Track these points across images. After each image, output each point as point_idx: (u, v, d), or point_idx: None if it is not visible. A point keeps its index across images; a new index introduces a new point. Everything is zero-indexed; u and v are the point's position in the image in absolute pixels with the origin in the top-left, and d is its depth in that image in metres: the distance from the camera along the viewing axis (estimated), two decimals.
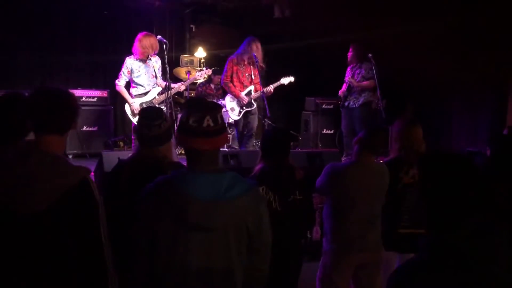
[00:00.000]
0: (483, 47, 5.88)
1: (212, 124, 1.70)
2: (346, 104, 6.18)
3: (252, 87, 5.75)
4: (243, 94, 5.70)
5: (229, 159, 4.67)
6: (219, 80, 7.23)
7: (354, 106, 6.09)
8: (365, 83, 6.01)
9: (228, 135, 6.28)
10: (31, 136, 1.81)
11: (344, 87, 6.20)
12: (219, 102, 6.46)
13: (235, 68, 5.67)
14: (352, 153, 3.07)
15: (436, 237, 1.25)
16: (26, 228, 1.61)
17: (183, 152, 2.00)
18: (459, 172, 1.24)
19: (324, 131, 7.16)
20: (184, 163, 2.46)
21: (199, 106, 1.74)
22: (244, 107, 5.74)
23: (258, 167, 2.73)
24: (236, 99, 5.73)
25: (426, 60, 6.19)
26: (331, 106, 7.31)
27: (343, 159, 5.71)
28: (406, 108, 6.15)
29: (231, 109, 5.77)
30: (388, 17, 6.36)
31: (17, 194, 1.61)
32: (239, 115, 5.77)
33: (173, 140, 2.45)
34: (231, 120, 5.99)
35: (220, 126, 1.73)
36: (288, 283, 2.73)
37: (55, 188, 1.62)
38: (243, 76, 5.71)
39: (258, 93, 5.73)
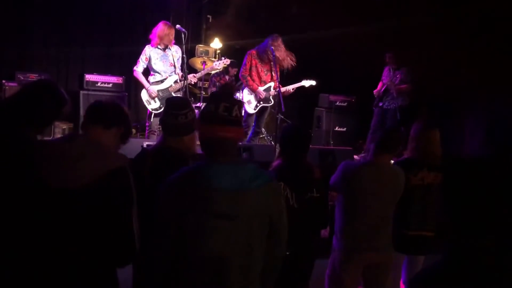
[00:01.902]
0: (498, 50, 5.84)
1: (239, 114, 1.78)
2: (380, 104, 6.24)
3: (272, 84, 5.71)
4: (261, 89, 5.67)
5: (242, 152, 4.69)
6: (235, 72, 7.24)
7: (388, 107, 6.14)
8: (403, 86, 6.06)
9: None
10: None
11: (379, 87, 6.24)
12: (235, 96, 6.48)
13: (254, 62, 5.63)
14: (368, 153, 3.08)
15: (461, 245, 1.25)
16: (64, 203, 1.75)
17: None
18: (488, 177, 1.24)
19: (337, 129, 7.15)
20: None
21: (228, 96, 1.80)
22: (262, 102, 5.73)
23: (276, 163, 2.74)
24: (253, 93, 5.70)
25: (440, 62, 6.16)
26: (345, 104, 7.29)
27: (355, 157, 5.71)
28: (421, 110, 6.14)
29: (248, 102, 5.74)
30: (402, 16, 6.34)
31: (59, 171, 1.75)
32: (255, 109, 5.75)
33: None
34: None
35: (241, 118, 1.82)
36: (300, 280, 2.75)
37: (94, 168, 1.76)
38: (261, 71, 5.68)
39: (282, 91, 5.67)
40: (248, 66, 5.65)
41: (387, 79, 6.22)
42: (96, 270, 1.80)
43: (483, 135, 6.31)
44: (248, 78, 5.66)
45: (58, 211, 1.76)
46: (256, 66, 5.65)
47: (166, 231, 1.70)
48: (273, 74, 5.64)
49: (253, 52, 5.65)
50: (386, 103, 6.19)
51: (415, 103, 6.21)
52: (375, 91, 6.32)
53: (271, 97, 5.74)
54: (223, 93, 1.91)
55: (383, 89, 6.22)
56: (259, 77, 5.69)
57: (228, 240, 1.68)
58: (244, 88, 5.84)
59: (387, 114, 6.17)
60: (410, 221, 3.09)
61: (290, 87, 5.72)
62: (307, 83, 5.84)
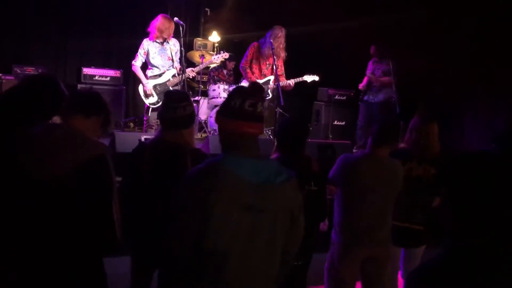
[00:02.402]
0: (499, 48, 5.84)
1: (263, 110, 1.79)
2: (365, 98, 6.22)
3: (271, 77, 5.64)
4: (260, 82, 5.60)
5: None
6: (232, 66, 7.20)
7: (373, 101, 6.12)
8: (384, 78, 6.02)
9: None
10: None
11: (364, 81, 6.22)
12: (231, 88, 6.45)
13: (255, 54, 5.57)
14: (367, 146, 3.07)
15: (461, 241, 1.23)
16: (46, 191, 1.77)
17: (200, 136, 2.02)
18: (489, 175, 1.22)
19: (336, 123, 7.13)
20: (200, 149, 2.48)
21: (253, 91, 1.81)
22: None
23: (273, 156, 2.72)
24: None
25: (440, 59, 6.16)
26: (344, 98, 7.27)
27: (354, 151, 5.71)
28: (420, 104, 6.13)
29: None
30: (401, 10, 6.33)
31: (40, 161, 1.77)
32: None
33: (195, 125, 2.47)
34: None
35: (263, 114, 1.82)
36: (298, 273, 2.75)
37: (73, 158, 1.78)
38: (263, 64, 5.61)
39: (283, 85, 5.63)
40: (249, 58, 5.59)
41: (368, 71, 6.21)
42: (80, 261, 1.82)
43: (483, 132, 6.31)
44: (248, 70, 5.61)
45: (39, 201, 1.77)
46: (257, 59, 5.58)
47: (189, 223, 1.68)
48: (275, 67, 5.51)
49: (255, 44, 5.58)
50: (371, 97, 6.17)
51: (414, 98, 6.19)
52: (360, 86, 6.30)
53: (269, 90, 5.68)
54: (247, 89, 1.90)
55: (366, 82, 6.22)
56: (260, 70, 5.62)
57: (253, 233, 1.68)
58: (242, 80, 5.79)
59: (372, 107, 6.14)
60: (396, 211, 3.08)
61: (292, 81, 5.67)
62: (309, 78, 5.78)
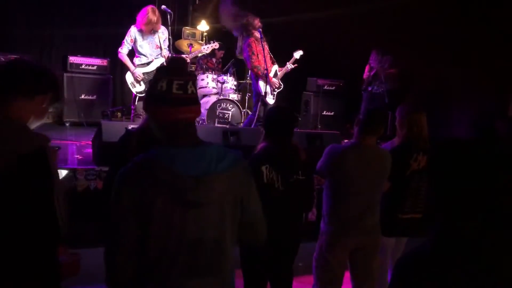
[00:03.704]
0: (488, 39, 5.87)
1: (194, 91, 1.58)
2: (369, 88, 6.29)
3: (276, 67, 5.50)
4: (274, 79, 5.46)
5: (229, 136, 4.64)
6: (221, 55, 7.14)
7: (378, 91, 6.19)
8: (392, 70, 6.14)
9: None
10: None
11: (367, 70, 6.28)
12: (220, 77, 6.40)
13: (259, 48, 5.33)
14: (353, 135, 3.07)
15: (447, 228, 1.23)
16: None
17: None
18: (476, 160, 1.22)
19: (324, 113, 7.14)
20: None
21: (180, 71, 1.58)
22: (276, 89, 5.54)
23: (261, 145, 2.70)
24: (267, 84, 5.38)
25: (429, 51, 6.19)
26: (333, 88, 7.27)
27: (345, 141, 5.73)
28: (408, 94, 6.18)
29: (266, 94, 5.43)
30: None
31: None
32: (274, 99, 5.48)
33: None
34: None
35: (197, 94, 1.62)
36: (286, 262, 2.75)
37: (8, 153, 1.51)
38: (262, 56, 5.38)
39: (283, 72, 5.55)
40: (256, 54, 5.29)
41: (375, 63, 6.27)
42: (27, 256, 1.59)
43: (468, 121, 6.38)
44: (261, 68, 5.31)
45: None
46: (260, 52, 5.34)
47: (128, 227, 1.48)
48: (270, 55, 5.35)
49: (252, 39, 5.34)
50: (375, 87, 6.26)
51: (403, 88, 6.25)
52: (364, 75, 6.36)
53: (279, 80, 5.56)
54: (172, 68, 1.65)
55: (372, 73, 6.27)
56: (264, 62, 5.37)
57: (198, 228, 1.51)
58: (259, 80, 5.49)
59: (375, 98, 6.22)
60: (404, 205, 3.10)
61: (288, 65, 5.59)
62: (297, 54, 5.71)
